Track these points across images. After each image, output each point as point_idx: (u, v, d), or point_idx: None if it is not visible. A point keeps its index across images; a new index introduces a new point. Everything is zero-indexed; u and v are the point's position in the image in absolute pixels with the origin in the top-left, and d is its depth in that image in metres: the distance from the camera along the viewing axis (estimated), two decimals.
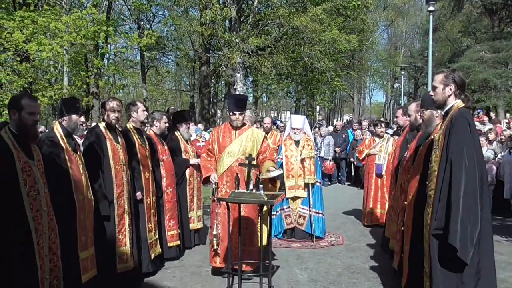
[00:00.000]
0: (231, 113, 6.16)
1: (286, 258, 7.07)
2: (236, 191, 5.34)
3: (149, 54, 29.89)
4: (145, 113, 6.39)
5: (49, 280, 3.83)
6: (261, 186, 5.36)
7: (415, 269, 4.61)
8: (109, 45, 21.93)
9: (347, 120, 29.39)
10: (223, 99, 25.69)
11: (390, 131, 11.80)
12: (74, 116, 5.00)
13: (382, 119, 21.35)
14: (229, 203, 5.50)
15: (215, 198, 6.06)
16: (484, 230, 4.01)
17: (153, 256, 6.11)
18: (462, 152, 3.92)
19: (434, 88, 4.33)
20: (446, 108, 4.27)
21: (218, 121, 26.73)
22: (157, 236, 6.29)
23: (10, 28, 15.44)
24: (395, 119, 8.85)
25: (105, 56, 22.06)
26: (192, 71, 34.77)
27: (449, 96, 4.23)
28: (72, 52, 18.89)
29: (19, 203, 3.60)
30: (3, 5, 20.23)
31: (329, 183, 16.12)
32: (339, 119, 49.39)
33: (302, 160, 8.01)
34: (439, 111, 4.72)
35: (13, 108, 3.79)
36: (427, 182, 4.37)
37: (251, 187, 5.35)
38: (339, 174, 16.53)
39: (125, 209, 5.61)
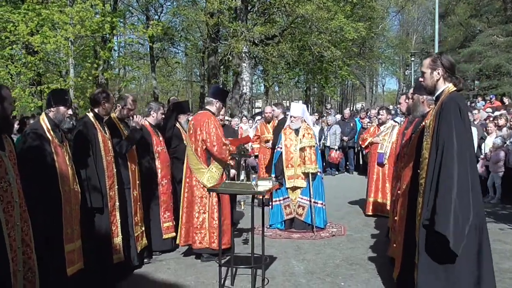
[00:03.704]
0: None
1: (285, 249, 6.96)
2: (227, 181, 5.24)
3: (157, 45, 29.81)
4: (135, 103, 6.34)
5: (22, 272, 3.74)
6: (254, 176, 5.28)
7: (408, 260, 4.47)
8: (115, 37, 21.90)
9: (356, 109, 29.12)
10: (231, 89, 25.53)
11: (398, 119, 11.54)
12: (61, 108, 4.90)
13: (390, 106, 21.06)
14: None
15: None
16: (479, 221, 3.86)
17: (139, 249, 6.05)
18: (452, 138, 3.77)
19: (422, 73, 4.19)
20: (437, 93, 4.12)
21: (227, 111, 26.61)
22: (143, 229, 6.23)
23: (15, 21, 15.45)
24: (398, 106, 8.67)
25: (113, 48, 22.00)
26: (201, 62, 34.63)
27: (437, 80, 4.08)
28: (80, 45, 18.91)
29: None
30: None
31: (337, 173, 15.98)
32: (351, 107, 49.08)
33: (302, 149, 7.86)
34: (425, 96, 4.57)
35: None
36: (418, 170, 4.23)
37: (242, 177, 5.24)
38: (347, 163, 16.37)
39: (115, 200, 5.56)
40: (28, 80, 17.24)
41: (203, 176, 6.30)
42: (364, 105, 43.73)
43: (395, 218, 5.08)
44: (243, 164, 5.38)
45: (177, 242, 6.56)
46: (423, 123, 4.50)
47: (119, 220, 5.61)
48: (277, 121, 9.49)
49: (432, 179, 3.91)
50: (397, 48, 46.92)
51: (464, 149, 3.78)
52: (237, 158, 5.53)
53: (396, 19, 52.30)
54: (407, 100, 6.17)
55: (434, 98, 4.22)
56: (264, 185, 5.20)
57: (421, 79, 4.28)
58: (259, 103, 47.37)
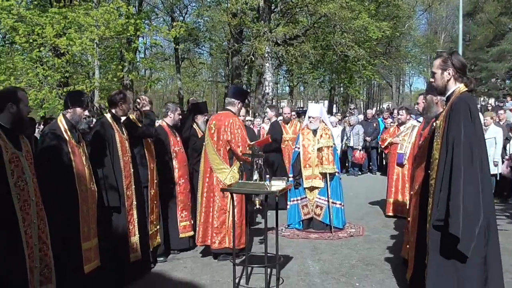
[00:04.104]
0: None
1: (301, 249, 6.98)
2: (241, 181, 5.29)
3: (182, 46, 30.05)
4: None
5: (39, 269, 3.86)
6: (267, 176, 5.31)
7: (420, 261, 4.45)
8: (139, 38, 22.16)
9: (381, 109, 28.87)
10: (254, 89, 25.63)
11: (421, 119, 11.38)
12: (78, 109, 5.02)
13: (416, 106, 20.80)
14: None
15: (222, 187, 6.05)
16: (488, 222, 3.83)
17: (152, 247, 6.14)
18: (461, 139, 3.75)
19: (433, 74, 4.16)
20: (448, 94, 4.10)
21: (250, 111, 26.67)
22: (157, 227, 6.32)
23: (43, 23, 15.78)
24: (416, 106, 8.59)
25: (137, 49, 22.28)
26: (226, 62, 34.80)
27: (448, 80, 4.06)
28: (106, 46, 19.22)
29: (6, 193, 3.63)
30: (39, 3, 20.75)
31: (360, 173, 15.90)
32: (377, 107, 48.66)
33: (320, 150, 7.87)
34: (439, 97, 4.54)
35: (11, 101, 3.81)
36: (429, 171, 4.21)
37: (255, 177, 5.28)
38: (370, 163, 16.27)
39: (133, 200, 5.66)
40: (55, 82, 17.59)
41: (225, 175, 6.30)
42: (390, 105, 43.33)
43: (408, 218, 5.06)
44: (257, 164, 5.38)
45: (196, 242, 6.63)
46: (434, 123, 4.48)
47: (136, 219, 5.71)
48: (269, 123, 9.53)
49: (442, 180, 3.89)
50: (424, 47, 46.27)
51: (473, 150, 3.76)
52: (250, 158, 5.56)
53: (424, 17, 51.66)
54: (423, 100, 6.12)
55: (444, 98, 4.20)
56: (277, 185, 5.24)
57: (431, 80, 4.26)
58: (284, 103, 47.36)
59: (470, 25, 41.90)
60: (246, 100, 8.66)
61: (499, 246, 3.97)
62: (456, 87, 4.06)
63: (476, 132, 3.84)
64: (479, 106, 22.68)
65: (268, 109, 9.95)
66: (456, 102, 3.91)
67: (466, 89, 4.04)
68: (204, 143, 6.61)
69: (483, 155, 3.93)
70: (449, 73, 4.06)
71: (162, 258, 6.43)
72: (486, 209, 3.76)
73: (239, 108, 6.60)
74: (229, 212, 6.24)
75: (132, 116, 6.23)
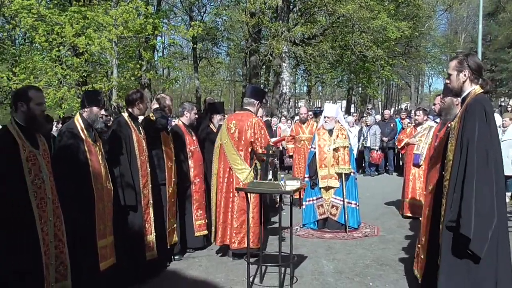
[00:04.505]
0: None
1: (316, 248, 7.00)
2: (255, 181, 5.32)
3: (200, 45, 30.15)
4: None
5: (54, 266, 3.94)
6: (282, 176, 5.33)
7: (432, 261, 4.44)
8: (158, 37, 22.28)
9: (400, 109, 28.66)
10: (272, 88, 25.67)
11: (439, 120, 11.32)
12: (95, 108, 5.09)
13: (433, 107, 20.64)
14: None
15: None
16: (501, 224, 3.82)
17: (169, 245, 6.20)
18: (476, 140, 3.74)
19: (449, 75, 4.15)
20: (463, 95, 4.09)
21: (268, 111, 26.71)
22: (175, 225, 6.39)
23: (62, 22, 15.95)
24: (433, 107, 8.54)
25: (155, 48, 22.41)
26: (244, 61, 34.86)
27: (464, 82, 4.04)
28: (124, 45, 19.36)
29: (23, 191, 3.71)
30: (59, 2, 20.99)
31: (376, 173, 15.85)
32: (396, 107, 48.26)
33: (336, 150, 7.88)
34: (459, 98, 4.52)
35: (21, 100, 3.89)
36: (443, 172, 4.20)
37: (270, 176, 5.31)
38: (387, 164, 16.19)
39: (149, 199, 5.72)
40: (74, 81, 17.75)
41: (245, 176, 6.27)
42: (409, 105, 42.99)
43: (420, 219, 5.05)
44: (271, 164, 5.41)
45: (212, 241, 6.67)
46: (449, 124, 4.47)
47: (153, 218, 5.77)
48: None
49: (456, 181, 3.88)
50: (444, 48, 45.83)
51: (488, 152, 3.74)
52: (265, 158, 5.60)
53: (444, 17, 51.17)
54: (440, 101, 6.08)
55: (460, 99, 4.19)
56: (291, 185, 5.26)
57: (447, 81, 4.25)
58: (302, 103, 47.28)
59: (491, 25, 41.44)
60: (264, 100, 8.66)
61: (510, 247, 3.96)
62: (472, 88, 4.04)
63: (491, 133, 3.82)
64: (499, 107, 22.42)
65: None
66: (471, 104, 3.90)
67: (482, 90, 4.03)
68: (218, 143, 6.64)
69: (498, 157, 3.91)
70: (465, 75, 4.04)
71: (177, 256, 6.49)
72: (499, 210, 3.75)
73: (257, 109, 6.62)
74: (248, 212, 6.25)
75: (151, 115, 6.30)
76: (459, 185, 3.83)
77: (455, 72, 4.09)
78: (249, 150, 6.33)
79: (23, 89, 4.13)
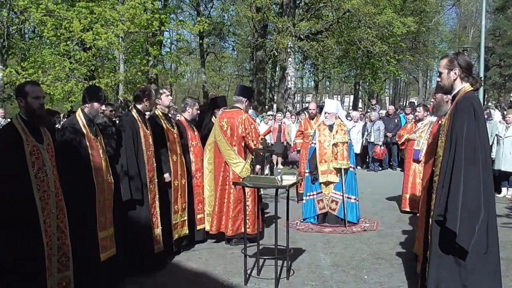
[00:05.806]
0: None
1: (314, 242, 7.12)
2: (252, 175, 5.45)
3: (207, 40, 30.23)
4: (170, 97, 6.62)
5: (57, 256, 4.09)
6: (279, 170, 5.46)
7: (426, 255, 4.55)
8: (165, 33, 22.40)
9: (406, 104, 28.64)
10: (278, 83, 25.75)
11: None
12: (96, 104, 5.20)
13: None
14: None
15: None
16: (490, 219, 3.93)
17: (176, 236, 6.38)
18: (464, 137, 3.85)
19: (440, 73, 4.26)
20: (454, 93, 4.19)
21: (274, 106, 26.78)
22: (184, 218, 6.54)
23: (70, 17, 16.11)
24: (431, 102, 8.63)
25: (162, 42, 22.50)
26: (251, 56, 34.92)
27: (454, 80, 4.15)
28: (131, 40, 19.48)
29: (27, 184, 3.86)
30: None
31: (380, 169, 15.93)
32: (404, 103, 48.18)
33: (335, 145, 7.99)
34: (449, 95, 4.62)
35: (19, 96, 4.04)
36: (433, 168, 4.31)
37: (266, 171, 5.43)
38: (391, 159, 16.27)
39: (155, 193, 5.89)
40: (81, 76, 17.92)
41: (240, 169, 6.68)
42: (416, 100, 42.87)
43: (418, 214, 5.17)
44: (267, 159, 5.53)
45: (207, 229, 6.93)
46: (439, 122, 4.57)
47: (159, 212, 5.94)
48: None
49: (444, 177, 3.99)
50: (451, 42, 45.59)
51: (476, 149, 3.85)
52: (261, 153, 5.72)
53: (453, 12, 50.89)
54: (433, 98, 6.18)
55: (451, 97, 4.29)
56: (288, 179, 5.38)
57: (438, 79, 4.35)
58: (309, 98, 47.27)
59: (500, 19, 41.13)
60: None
61: (498, 241, 4.07)
62: (462, 86, 4.14)
63: (480, 130, 3.92)
64: (509, 102, 22.37)
65: None
66: (461, 101, 4.01)
67: (472, 88, 4.13)
68: (212, 140, 6.97)
69: (487, 153, 4.01)
70: (455, 73, 4.15)
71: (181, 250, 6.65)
72: (487, 205, 3.85)
73: (246, 106, 7.01)
74: (243, 202, 6.49)
75: (158, 111, 6.45)
76: (447, 180, 3.94)
77: (445, 70, 4.19)
78: (242, 144, 6.78)
79: (21, 85, 4.26)
